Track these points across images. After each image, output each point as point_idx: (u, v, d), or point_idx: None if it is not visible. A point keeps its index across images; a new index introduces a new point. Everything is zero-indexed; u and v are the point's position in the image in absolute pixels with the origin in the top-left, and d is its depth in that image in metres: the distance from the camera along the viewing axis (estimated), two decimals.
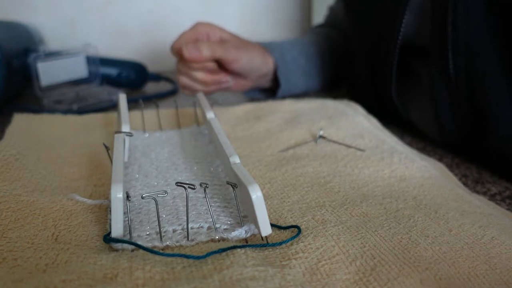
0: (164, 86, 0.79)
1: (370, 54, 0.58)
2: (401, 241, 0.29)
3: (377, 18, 0.55)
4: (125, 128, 0.41)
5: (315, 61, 0.69)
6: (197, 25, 0.60)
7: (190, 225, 0.30)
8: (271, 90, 0.69)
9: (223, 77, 0.60)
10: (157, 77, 0.80)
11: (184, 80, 0.60)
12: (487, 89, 0.42)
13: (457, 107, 0.45)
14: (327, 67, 0.70)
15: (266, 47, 0.64)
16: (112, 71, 0.75)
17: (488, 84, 0.42)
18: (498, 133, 0.42)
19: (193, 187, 0.30)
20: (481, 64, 0.42)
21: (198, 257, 0.27)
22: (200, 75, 0.59)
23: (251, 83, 0.64)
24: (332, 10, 0.80)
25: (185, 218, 0.31)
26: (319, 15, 0.95)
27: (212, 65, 0.60)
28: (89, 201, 0.34)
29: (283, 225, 0.32)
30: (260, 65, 0.62)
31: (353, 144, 0.46)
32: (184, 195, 0.31)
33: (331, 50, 0.71)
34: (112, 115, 0.55)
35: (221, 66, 0.60)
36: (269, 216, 0.29)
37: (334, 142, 0.46)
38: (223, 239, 0.30)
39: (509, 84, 0.41)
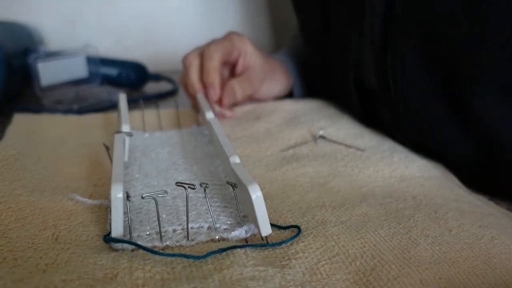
0: (164, 86, 0.78)
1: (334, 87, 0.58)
2: (401, 241, 0.29)
3: (334, 69, 0.56)
4: (125, 128, 0.41)
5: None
6: (233, 38, 0.55)
7: (190, 225, 0.30)
8: None
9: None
10: (157, 77, 0.80)
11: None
12: (434, 131, 0.44)
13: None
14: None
15: (286, 65, 0.64)
16: (112, 71, 0.75)
17: (434, 129, 0.43)
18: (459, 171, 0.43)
19: (193, 187, 0.30)
20: (421, 104, 0.44)
21: (198, 257, 0.27)
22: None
23: (265, 101, 0.63)
24: None
25: (185, 218, 0.31)
26: None
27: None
28: (89, 201, 0.34)
29: (283, 225, 0.32)
30: (278, 92, 0.62)
31: (353, 144, 0.46)
32: (184, 195, 0.31)
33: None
34: (112, 115, 0.55)
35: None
36: (269, 216, 0.29)
37: (334, 142, 0.46)
38: (223, 239, 0.30)
39: (457, 128, 0.42)
